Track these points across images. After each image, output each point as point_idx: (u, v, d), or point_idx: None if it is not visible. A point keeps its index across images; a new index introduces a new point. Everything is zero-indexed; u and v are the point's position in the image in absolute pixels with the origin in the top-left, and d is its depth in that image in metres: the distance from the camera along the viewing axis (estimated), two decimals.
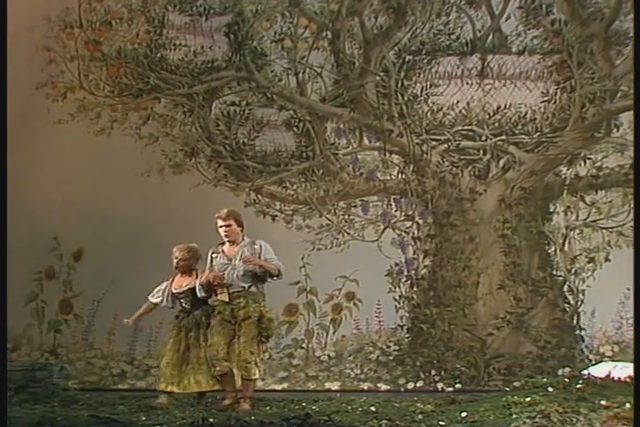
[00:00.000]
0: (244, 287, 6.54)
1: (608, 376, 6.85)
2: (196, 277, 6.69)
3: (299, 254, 8.12)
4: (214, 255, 6.61)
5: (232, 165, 8.42)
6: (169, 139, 8.40)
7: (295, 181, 8.39)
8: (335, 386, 8.02)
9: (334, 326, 8.20)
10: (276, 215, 8.34)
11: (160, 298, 6.74)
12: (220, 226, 6.61)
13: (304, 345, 8.18)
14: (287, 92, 8.40)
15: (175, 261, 6.73)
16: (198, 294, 6.63)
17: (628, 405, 5.82)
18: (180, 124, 8.42)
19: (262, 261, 6.54)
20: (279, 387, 8.01)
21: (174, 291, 6.73)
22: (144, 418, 6.02)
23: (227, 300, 6.51)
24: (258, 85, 8.41)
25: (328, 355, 8.16)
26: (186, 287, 6.71)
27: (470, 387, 7.83)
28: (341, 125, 8.42)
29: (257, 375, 6.44)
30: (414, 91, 8.39)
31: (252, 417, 5.90)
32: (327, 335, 8.19)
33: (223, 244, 6.67)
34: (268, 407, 6.54)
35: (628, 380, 6.81)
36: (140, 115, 8.44)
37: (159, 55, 8.41)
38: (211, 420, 5.64)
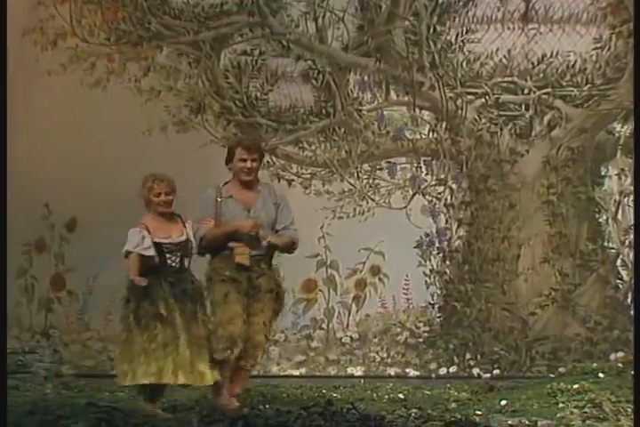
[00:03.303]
0: (266, 252, 5.87)
1: None
2: (183, 224, 5.85)
3: (318, 223, 8.11)
4: (219, 200, 5.87)
5: (243, 123, 8.38)
6: (172, 93, 8.36)
7: (314, 141, 8.34)
8: (359, 371, 8.05)
9: (357, 304, 8.21)
10: (293, 179, 8.31)
11: (149, 249, 5.72)
12: (242, 159, 5.85)
13: (324, 326, 8.19)
14: (305, 40, 8.33)
15: (155, 198, 5.76)
16: (193, 251, 5.82)
17: None
18: (185, 77, 8.37)
19: (274, 236, 5.88)
20: (296, 372, 8.06)
21: (163, 241, 5.75)
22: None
23: (247, 264, 5.80)
24: (272, 32, 8.34)
25: (351, 337, 8.17)
26: (178, 239, 5.79)
27: (510, 373, 7.85)
28: (366, 77, 8.35)
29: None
30: (448, 37, 8.29)
31: (267, 405, 5.93)
32: (349, 315, 8.20)
33: (226, 183, 5.94)
34: (284, 395, 6.58)
35: None
36: (140, 65, 8.39)
37: None
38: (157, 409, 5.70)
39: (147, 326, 5.68)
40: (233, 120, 8.36)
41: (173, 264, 5.78)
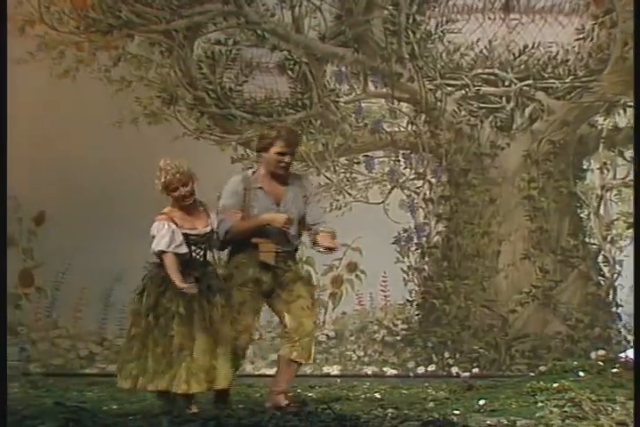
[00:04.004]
0: (293, 249, 5.70)
1: None
2: (207, 214, 5.60)
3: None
4: (246, 191, 5.59)
5: (217, 115, 8.35)
6: (143, 83, 8.32)
7: None
8: (335, 370, 8.07)
9: (334, 301, 8.23)
10: None
11: (182, 246, 5.43)
12: (280, 153, 5.59)
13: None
14: (281, 30, 8.31)
15: (174, 193, 5.46)
16: (214, 244, 5.56)
17: None
18: (157, 67, 8.33)
19: (327, 240, 5.55)
20: (271, 371, 7.95)
21: (189, 233, 5.47)
22: (115, 407, 6.06)
23: (272, 263, 5.61)
24: (247, 21, 8.31)
25: (327, 335, 8.19)
26: (203, 230, 5.54)
27: (490, 371, 7.90)
28: (343, 68, 8.35)
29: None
30: (428, 27, 8.30)
31: (241, 405, 5.94)
32: (326, 312, 8.21)
33: (254, 173, 5.67)
34: (258, 395, 6.59)
35: None
36: (110, 55, 8.34)
37: None
38: (194, 409, 5.67)
39: (163, 325, 5.44)
40: (206, 112, 8.34)
41: (198, 257, 5.54)
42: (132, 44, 8.36)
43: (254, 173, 5.73)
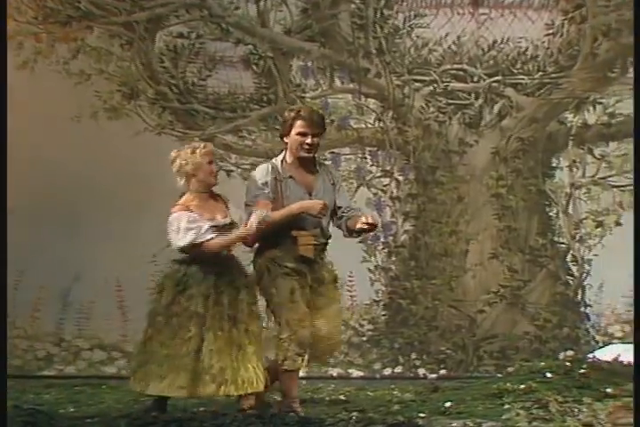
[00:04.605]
0: (327, 241, 5.56)
1: (616, 360, 6.97)
2: (225, 205, 5.45)
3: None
4: (277, 181, 5.43)
5: (179, 110, 8.33)
6: (103, 77, 8.28)
7: (254, 130, 8.33)
8: (300, 372, 8.05)
9: None
10: (232, 170, 8.28)
11: (208, 232, 5.24)
12: (301, 133, 5.45)
13: (263, 324, 8.17)
14: (245, 23, 8.30)
15: (215, 171, 5.36)
16: (242, 235, 5.29)
17: None
18: (117, 60, 8.29)
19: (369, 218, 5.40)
20: None
21: (210, 223, 5.29)
22: (73, 409, 6.05)
23: (312, 256, 5.45)
24: (211, 14, 8.29)
25: None
26: (223, 221, 5.36)
27: (457, 373, 7.93)
28: (309, 63, 8.35)
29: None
30: (396, 22, 8.32)
31: (203, 408, 5.94)
32: None
33: (282, 162, 5.51)
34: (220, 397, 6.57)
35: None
36: (69, 47, 8.29)
37: None
38: (153, 413, 5.66)
39: (179, 325, 5.30)
40: (168, 107, 8.31)
41: (222, 254, 5.39)
42: (92, 36, 8.32)
43: (282, 161, 5.58)
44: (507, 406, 5.80)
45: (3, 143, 5.97)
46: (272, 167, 5.55)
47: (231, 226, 5.40)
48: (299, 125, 5.52)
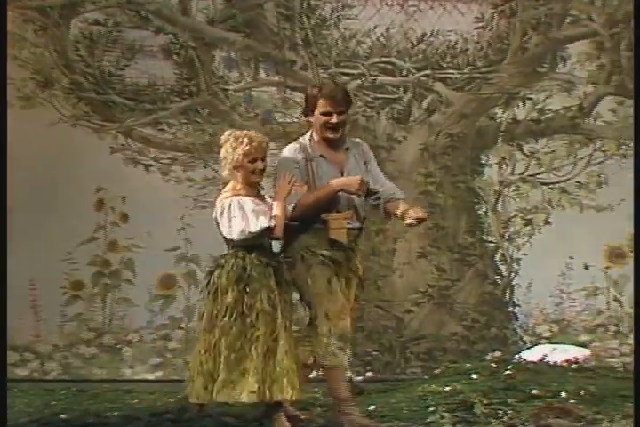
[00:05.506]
0: (361, 225, 5.39)
1: (542, 360, 7.09)
2: (268, 207, 5.19)
3: (177, 213, 8.06)
4: (307, 161, 5.26)
5: (95, 101, 8.24)
6: (16, 64, 8.14)
7: (174, 123, 8.26)
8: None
9: None
10: (151, 164, 8.22)
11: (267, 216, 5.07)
12: (325, 113, 5.29)
13: (183, 325, 8.15)
14: (166, 11, 8.23)
15: (251, 165, 5.15)
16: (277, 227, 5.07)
17: (563, 394, 6.04)
18: (31, 46, 8.19)
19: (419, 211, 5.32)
20: (151, 376, 8.00)
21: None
22: None
23: (344, 240, 5.22)
24: (129, 1, 8.20)
25: None
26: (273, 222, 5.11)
27: (384, 375, 7.95)
28: (233, 54, 8.32)
29: None
30: (323, 13, 8.32)
31: (116, 412, 5.90)
32: None
33: (310, 141, 5.35)
34: (135, 401, 6.54)
35: (565, 364, 7.07)
36: None
37: None
38: (62, 416, 5.60)
39: (246, 325, 5.08)
40: (84, 97, 8.20)
41: (268, 246, 5.17)
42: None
43: (310, 140, 5.41)
44: (431, 409, 5.86)
45: (3, 143, 5.84)
46: (301, 146, 5.39)
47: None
48: (322, 104, 5.34)
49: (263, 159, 5.24)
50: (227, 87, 8.31)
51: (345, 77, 8.31)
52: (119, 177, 8.10)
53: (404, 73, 8.35)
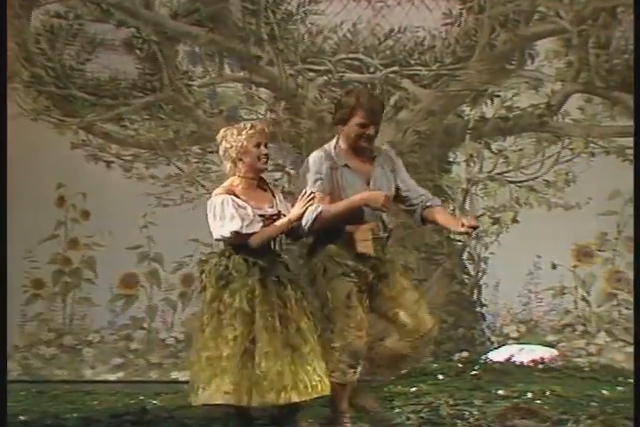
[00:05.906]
0: (388, 234, 5.41)
1: (508, 360, 7.12)
2: (272, 194, 5.26)
3: (140, 211, 8.03)
4: (332, 170, 5.20)
5: (56, 95, 8.20)
6: None
7: (137, 119, 8.24)
8: (183, 376, 7.97)
9: (184, 301, 8.16)
10: (112, 161, 8.19)
11: (254, 224, 5.07)
12: (362, 124, 5.24)
13: (145, 325, 8.13)
14: (128, 4, 8.20)
15: (256, 149, 5.16)
16: (298, 233, 5.18)
17: (529, 394, 6.08)
18: None
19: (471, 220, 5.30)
20: (113, 377, 7.96)
21: (257, 213, 5.09)
22: None
23: (371, 253, 5.23)
24: None
25: (175, 337, 8.13)
26: (270, 211, 5.17)
27: None
28: (197, 49, 8.30)
29: None
30: (289, 8, 8.30)
31: (76, 414, 5.88)
32: (175, 313, 8.16)
33: (335, 149, 5.29)
34: (96, 402, 6.52)
35: (531, 364, 7.11)
36: None
37: None
38: (21, 417, 5.59)
39: (222, 324, 5.04)
40: (44, 91, 8.16)
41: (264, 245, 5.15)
42: None
43: (335, 148, 5.35)
44: (397, 411, 5.87)
45: (3, 143, 5.79)
46: (325, 155, 5.33)
47: (277, 217, 5.18)
48: (359, 116, 5.29)
49: (266, 145, 5.26)
50: (191, 83, 8.29)
51: (311, 74, 8.32)
52: (80, 173, 8.07)
53: (372, 70, 8.35)
